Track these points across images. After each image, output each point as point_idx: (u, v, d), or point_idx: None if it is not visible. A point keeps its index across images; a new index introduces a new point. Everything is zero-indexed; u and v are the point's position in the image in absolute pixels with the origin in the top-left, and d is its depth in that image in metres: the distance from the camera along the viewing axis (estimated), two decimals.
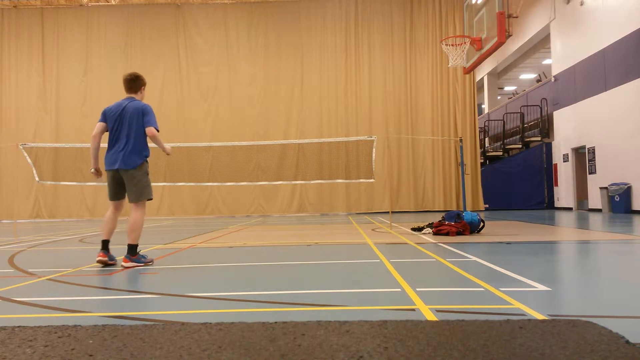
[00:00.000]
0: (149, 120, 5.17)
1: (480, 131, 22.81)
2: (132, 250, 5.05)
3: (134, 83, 5.41)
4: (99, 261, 5.07)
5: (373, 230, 9.94)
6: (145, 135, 5.22)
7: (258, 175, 19.52)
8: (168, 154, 5.48)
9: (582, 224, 10.97)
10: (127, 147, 5.14)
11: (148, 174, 5.30)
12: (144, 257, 5.16)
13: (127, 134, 5.18)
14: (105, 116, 5.38)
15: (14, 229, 10.32)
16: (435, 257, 5.38)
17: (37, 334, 2.44)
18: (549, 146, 19.76)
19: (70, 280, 4.33)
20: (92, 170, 5.39)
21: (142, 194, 5.18)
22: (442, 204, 19.76)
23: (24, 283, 4.25)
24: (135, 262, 5.03)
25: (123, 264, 4.98)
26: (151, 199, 5.40)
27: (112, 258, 5.17)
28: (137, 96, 5.43)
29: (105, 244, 5.15)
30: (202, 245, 7.48)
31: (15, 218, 10.76)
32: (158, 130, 5.23)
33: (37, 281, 4.34)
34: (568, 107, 17.96)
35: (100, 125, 5.37)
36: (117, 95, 23.40)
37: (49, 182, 18.64)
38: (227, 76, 20.53)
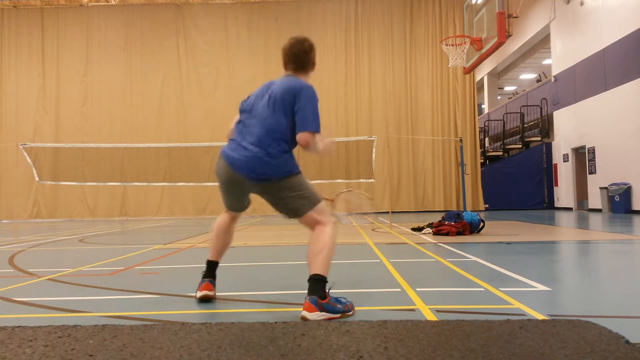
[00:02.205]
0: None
1: (480, 131, 22.80)
2: (321, 288, 2.90)
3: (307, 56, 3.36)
4: (203, 296, 3.31)
5: (373, 230, 9.94)
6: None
7: None
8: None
9: (582, 224, 10.97)
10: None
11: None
12: (340, 302, 2.94)
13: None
14: None
15: (14, 229, 10.32)
16: (435, 257, 5.38)
17: (37, 334, 2.44)
18: (549, 146, 19.76)
19: (70, 280, 4.33)
20: None
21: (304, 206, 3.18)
22: (442, 204, 19.75)
23: (24, 283, 4.25)
24: (328, 311, 2.82)
25: (307, 315, 2.78)
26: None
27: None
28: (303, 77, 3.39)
29: (212, 268, 3.48)
30: (202, 245, 7.48)
31: (15, 218, 10.76)
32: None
33: (37, 281, 4.33)
34: (568, 107, 17.96)
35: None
36: (117, 95, 23.47)
37: (49, 182, 18.64)
38: (227, 76, 20.53)
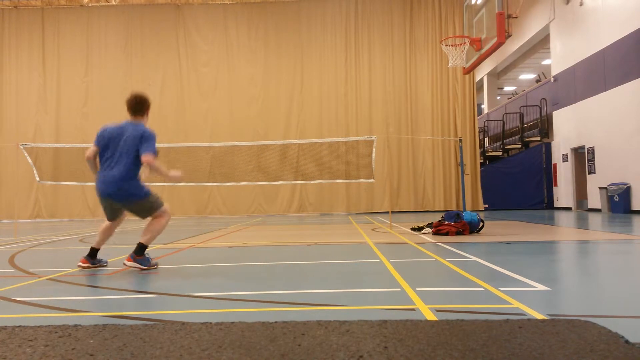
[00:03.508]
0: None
1: (479, 131, 22.80)
2: (141, 250, 4.70)
3: (135, 106, 4.84)
4: (79, 266, 4.89)
5: (373, 230, 9.95)
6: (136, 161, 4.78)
7: (258, 175, 19.52)
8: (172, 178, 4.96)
9: (582, 224, 10.97)
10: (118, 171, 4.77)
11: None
12: (149, 260, 4.76)
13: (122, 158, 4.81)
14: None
15: (14, 228, 10.32)
16: (435, 257, 5.39)
17: (38, 333, 2.45)
18: (548, 146, 19.76)
19: (70, 280, 4.34)
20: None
21: (152, 210, 4.85)
22: (442, 204, 19.77)
23: (24, 283, 4.25)
24: (139, 264, 4.67)
25: (126, 262, 4.67)
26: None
27: (99, 261, 5.01)
28: (143, 120, 4.89)
29: (94, 253, 4.95)
30: (202, 245, 7.49)
31: (15, 218, 10.76)
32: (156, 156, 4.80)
33: (38, 281, 4.34)
34: (567, 107, 17.97)
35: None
36: (118, 95, 23.57)
37: (49, 182, 18.64)
38: (227, 76, 20.54)
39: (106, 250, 7.33)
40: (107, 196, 4.67)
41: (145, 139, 4.65)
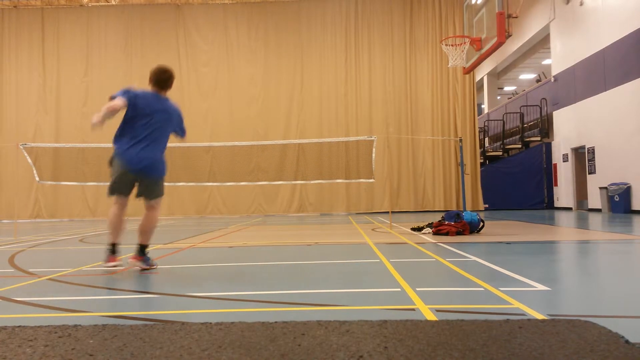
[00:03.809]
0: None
1: (480, 131, 22.80)
2: (143, 250, 4.74)
3: (170, 82, 4.85)
4: (115, 266, 4.69)
5: (373, 230, 9.95)
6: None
7: (258, 175, 19.52)
8: None
9: (582, 224, 10.97)
10: (159, 151, 4.77)
11: None
12: (149, 260, 4.81)
13: (164, 136, 4.81)
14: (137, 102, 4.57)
15: (14, 228, 10.32)
16: (435, 257, 5.39)
17: (38, 333, 2.45)
18: (548, 146, 19.76)
19: (70, 280, 4.34)
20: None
21: (161, 192, 4.93)
22: (442, 204, 19.76)
23: (24, 283, 4.25)
24: (143, 264, 4.71)
25: (132, 260, 4.69)
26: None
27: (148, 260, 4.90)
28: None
29: (116, 248, 4.79)
30: (202, 245, 7.49)
31: (15, 218, 10.76)
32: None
33: (37, 281, 4.34)
34: (568, 107, 17.97)
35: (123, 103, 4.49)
36: None
37: (49, 182, 18.64)
38: (226, 76, 20.54)
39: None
40: (140, 170, 4.60)
41: (182, 120, 4.95)
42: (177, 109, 4.89)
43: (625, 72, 14.29)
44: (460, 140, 11.51)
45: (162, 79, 4.73)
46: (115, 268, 4.70)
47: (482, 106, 29.27)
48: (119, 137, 4.68)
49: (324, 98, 20.30)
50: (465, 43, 13.78)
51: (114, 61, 20.66)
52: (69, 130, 20.28)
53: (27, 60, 20.85)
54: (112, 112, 4.36)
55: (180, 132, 4.98)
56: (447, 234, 7.91)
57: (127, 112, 4.56)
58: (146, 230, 4.79)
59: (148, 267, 4.75)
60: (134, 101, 4.50)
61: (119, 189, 4.74)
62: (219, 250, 6.81)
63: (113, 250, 4.74)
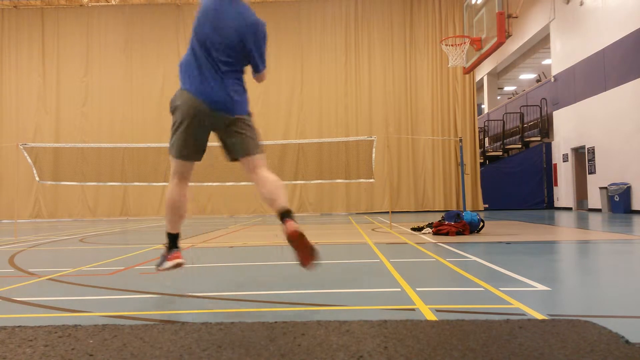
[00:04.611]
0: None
1: (480, 131, 22.80)
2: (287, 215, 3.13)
3: None
4: (178, 264, 3.33)
5: (373, 230, 9.94)
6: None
7: None
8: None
9: (582, 224, 10.97)
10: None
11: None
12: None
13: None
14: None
15: (14, 228, 10.32)
16: (435, 257, 5.39)
17: (38, 333, 2.45)
18: (548, 146, 19.76)
19: (70, 280, 4.34)
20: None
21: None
22: (442, 204, 19.76)
23: (24, 283, 4.25)
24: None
25: (293, 227, 3.05)
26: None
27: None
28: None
29: (177, 239, 3.42)
30: (202, 245, 7.48)
31: (15, 218, 10.75)
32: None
33: (37, 281, 4.34)
34: (568, 107, 17.96)
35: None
36: (118, 95, 23.41)
37: (49, 182, 18.64)
38: None
39: (108, 250, 7.33)
40: (217, 108, 3.17)
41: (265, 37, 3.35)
42: (252, 20, 3.38)
43: (626, 72, 14.29)
44: (460, 140, 11.51)
45: None
46: (176, 268, 3.38)
47: (482, 106, 29.26)
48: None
49: (324, 98, 20.29)
50: (465, 43, 13.78)
51: (114, 61, 20.65)
52: (68, 130, 20.29)
53: (27, 60, 20.85)
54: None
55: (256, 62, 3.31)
56: (447, 234, 7.91)
57: None
58: (277, 191, 3.28)
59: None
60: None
61: (189, 150, 3.44)
62: (219, 250, 6.81)
63: (174, 243, 3.40)
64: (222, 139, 3.35)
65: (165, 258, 3.36)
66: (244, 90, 3.29)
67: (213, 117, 3.20)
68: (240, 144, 3.27)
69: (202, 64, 3.19)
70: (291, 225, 2.99)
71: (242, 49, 3.24)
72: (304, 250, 3.08)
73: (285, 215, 3.07)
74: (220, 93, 3.15)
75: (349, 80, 20.42)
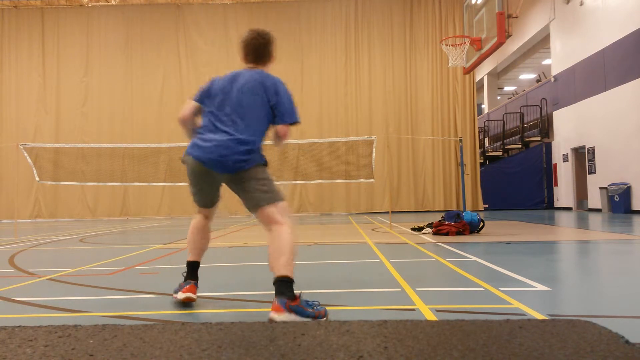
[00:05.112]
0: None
1: (480, 131, 22.80)
2: (289, 288, 2.80)
3: (263, 49, 3.35)
4: (186, 299, 3.21)
5: (373, 230, 9.94)
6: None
7: None
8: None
9: (582, 224, 10.97)
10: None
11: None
12: (312, 306, 2.81)
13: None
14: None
15: (14, 228, 10.32)
16: (435, 257, 5.39)
17: (38, 333, 2.45)
18: (548, 146, 19.76)
19: (70, 280, 4.34)
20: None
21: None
22: (442, 204, 19.76)
23: (24, 283, 4.25)
24: (298, 314, 2.71)
25: (275, 315, 2.70)
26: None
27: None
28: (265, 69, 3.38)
29: (195, 269, 3.42)
30: None
31: (15, 218, 10.76)
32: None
33: (38, 281, 4.34)
34: (568, 107, 17.96)
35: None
36: (118, 95, 23.39)
37: (49, 182, 18.64)
38: None
39: (108, 250, 7.33)
40: (214, 165, 3.15)
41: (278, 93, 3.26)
42: (270, 78, 3.25)
43: (626, 72, 14.29)
44: (460, 140, 11.51)
45: (249, 45, 3.34)
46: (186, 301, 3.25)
47: (482, 106, 29.26)
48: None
49: (324, 98, 20.29)
50: (465, 43, 13.78)
51: (114, 61, 20.66)
52: (68, 130, 20.29)
53: (27, 60, 20.85)
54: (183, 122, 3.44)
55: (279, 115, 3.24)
56: (447, 234, 7.91)
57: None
58: (281, 250, 2.95)
59: (312, 317, 2.73)
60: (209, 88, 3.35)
61: (200, 197, 3.51)
62: (219, 250, 6.81)
63: (190, 274, 3.41)
64: (235, 192, 3.39)
65: (180, 288, 3.34)
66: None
67: (211, 174, 3.25)
68: (246, 200, 3.27)
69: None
70: (274, 307, 2.72)
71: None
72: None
73: (276, 286, 2.81)
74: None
75: (349, 80, 20.42)
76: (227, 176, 3.22)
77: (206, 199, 3.48)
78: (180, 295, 3.24)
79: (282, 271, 2.83)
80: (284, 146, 3.55)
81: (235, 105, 3.18)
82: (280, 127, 3.25)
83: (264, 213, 3.15)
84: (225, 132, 3.13)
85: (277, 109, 3.22)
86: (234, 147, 3.10)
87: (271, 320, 2.66)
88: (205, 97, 3.34)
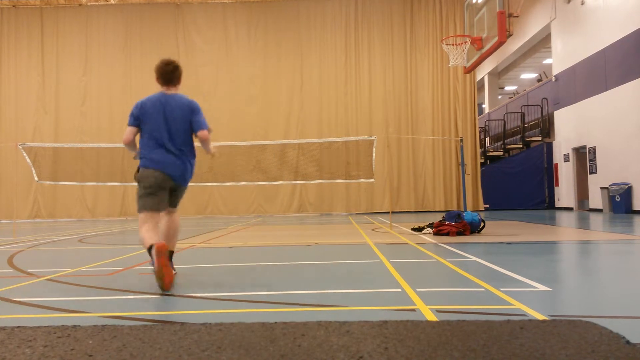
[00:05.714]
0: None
1: (480, 131, 22.79)
2: (171, 257, 4.27)
3: (175, 74, 4.31)
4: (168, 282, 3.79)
5: (373, 230, 9.94)
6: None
7: (258, 175, 19.49)
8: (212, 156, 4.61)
9: (583, 224, 10.96)
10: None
11: None
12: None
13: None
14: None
15: (13, 228, 10.31)
16: (436, 257, 5.38)
17: (37, 334, 2.44)
18: (549, 146, 19.75)
19: (69, 281, 4.33)
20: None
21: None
22: (442, 204, 19.75)
23: (23, 283, 4.24)
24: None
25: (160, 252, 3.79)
26: None
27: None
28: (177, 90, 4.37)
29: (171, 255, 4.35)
30: (202, 245, 7.48)
31: (14, 218, 10.76)
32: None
33: (37, 281, 4.33)
34: (569, 106, 17.95)
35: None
36: (117, 94, 23.47)
37: (48, 182, 18.63)
38: (226, 76, 20.53)
39: (107, 250, 7.32)
40: (170, 177, 4.31)
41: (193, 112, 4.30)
42: (186, 101, 4.29)
43: (626, 72, 14.27)
44: (461, 140, 11.50)
45: (165, 72, 4.24)
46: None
47: (483, 106, 29.26)
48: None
49: (324, 98, 20.28)
50: (465, 42, 13.76)
51: (113, 60, 20.65)
52: (68, 129, 20.28)
53: (26, 60, 20.84)
54: (128, 146, 4.45)
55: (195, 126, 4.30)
56: (447, 234, 7.90)
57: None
58: (172, 234, 4.48)
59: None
60: (140, 112, 4.19)
61: (154, 203, 4.42)
62: (219, 250, 6.80)
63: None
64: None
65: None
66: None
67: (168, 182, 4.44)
68: (173, 199, 4.55)
69: None
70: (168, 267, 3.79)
71: None
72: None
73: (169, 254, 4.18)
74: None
75: (349, 80, 20.41)
76: (175, 184, 4.40)
77: (164, 204, 4.38)
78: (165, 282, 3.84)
79: (173, 247, 4.43)
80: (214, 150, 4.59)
81: (171, 125, 4.22)
82: (200, 133, 4.32)
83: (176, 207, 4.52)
84: (168, 149, 4.26)
85: (194, 123, 4.32)
86: (184, 161, 4.40)
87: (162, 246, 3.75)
88: (139, 121, 4.23)
